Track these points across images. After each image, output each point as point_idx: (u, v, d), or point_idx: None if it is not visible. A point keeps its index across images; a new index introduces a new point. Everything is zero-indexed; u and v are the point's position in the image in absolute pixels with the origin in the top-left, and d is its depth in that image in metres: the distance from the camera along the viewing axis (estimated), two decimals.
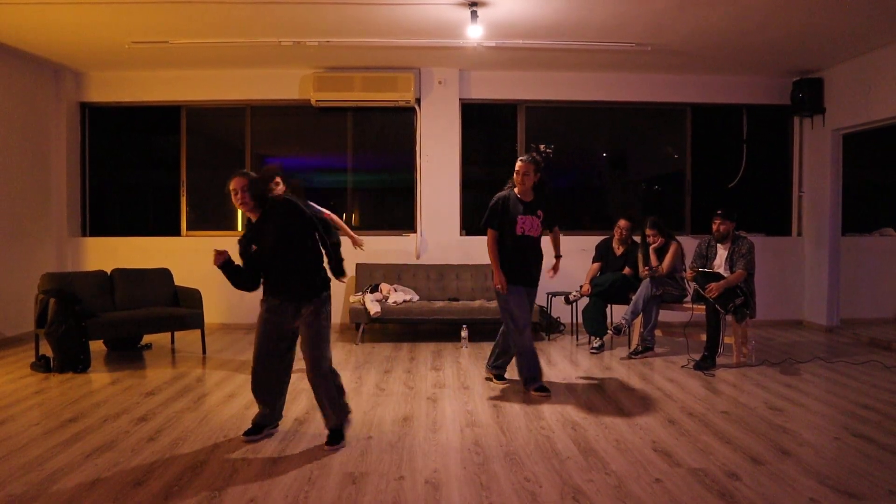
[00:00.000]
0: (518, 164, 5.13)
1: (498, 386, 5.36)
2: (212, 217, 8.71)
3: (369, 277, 7.87)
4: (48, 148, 8.05)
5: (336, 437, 3.94)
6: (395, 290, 7.52)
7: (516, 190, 5.16)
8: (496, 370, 5.47)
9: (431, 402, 4.90)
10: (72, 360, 5.83)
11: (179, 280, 7.12)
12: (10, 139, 7.39)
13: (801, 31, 6.59)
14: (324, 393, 3.94)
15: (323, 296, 3.95)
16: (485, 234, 5.17)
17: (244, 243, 3.95)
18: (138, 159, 8.94)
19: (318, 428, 4.18)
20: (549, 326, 7.66)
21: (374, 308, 7.05)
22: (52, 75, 8.07)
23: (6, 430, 4.23)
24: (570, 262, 8.16)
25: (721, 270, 6.09)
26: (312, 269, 3.97)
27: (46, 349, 6.01)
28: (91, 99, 8.37)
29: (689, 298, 6.50)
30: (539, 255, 5.24)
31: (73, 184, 8.31)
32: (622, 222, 6.98)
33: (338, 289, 8.09)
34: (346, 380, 5.50)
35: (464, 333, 7.06)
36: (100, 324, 6.07)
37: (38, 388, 5.34)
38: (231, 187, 3.86)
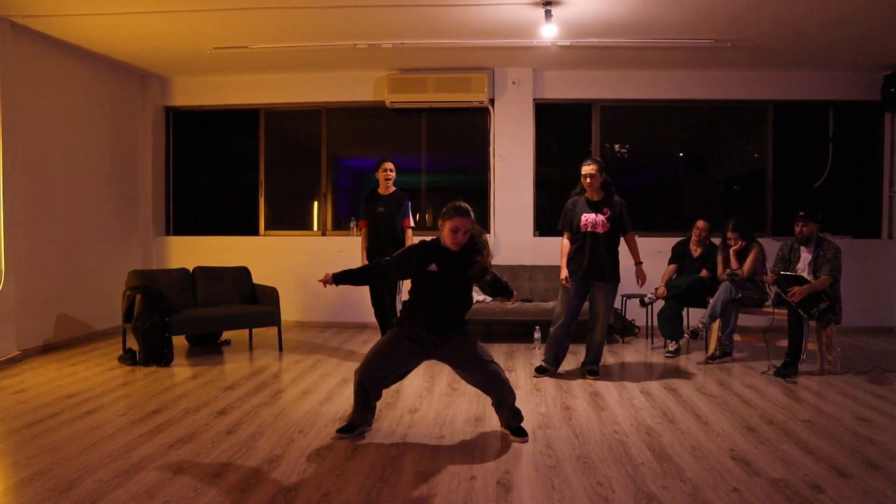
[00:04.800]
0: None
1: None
2: (289, 217, 8.93)
3: None
4: (135, 151, 8.40)
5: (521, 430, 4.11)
6: None
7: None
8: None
9: None
10: (156, 354, 6.07)
11: (257, 278, 7.32)
12: (100, 143, 7.73)
13: (891, 22, 6.26)
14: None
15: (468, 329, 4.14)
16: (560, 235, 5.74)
17: (420, 258, 3.99)
18: (219, 161, 9.24)
19: (390, 426, 4.23)
20: (624, 329, 7.53)
21: None
22: (139, 81, 8.42)
23: (96, 418, 4.43)
24: (646, 263, 8.05)
25: (804, 274, 5.85)
26: (465, 310, 4.13)
27: (133, 343, 6.28)
28: (175, 103, 8.70)
29: (770, 302, 6.28)
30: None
31: (157, 185, 8.66)
32: (700, 223, 6.81)
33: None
34: (419, 379, 5.56)
35: (536, 335, 7.01)
36: (182, 320, 6.29)
37: (125, 379, 5.58)
38: (455, 225, 3.86)
